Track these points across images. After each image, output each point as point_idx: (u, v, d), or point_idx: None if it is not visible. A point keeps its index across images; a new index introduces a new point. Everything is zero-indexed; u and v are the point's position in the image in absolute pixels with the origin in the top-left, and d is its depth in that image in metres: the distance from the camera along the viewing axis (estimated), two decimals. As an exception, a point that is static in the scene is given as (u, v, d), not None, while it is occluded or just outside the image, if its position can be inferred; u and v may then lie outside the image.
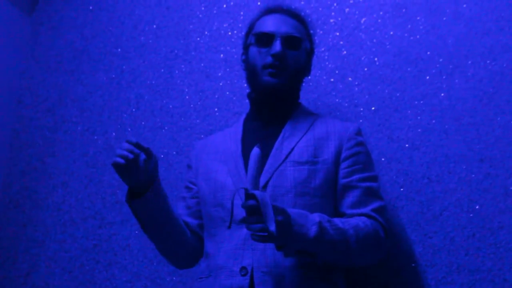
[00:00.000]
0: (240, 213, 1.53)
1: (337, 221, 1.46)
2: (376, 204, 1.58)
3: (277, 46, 1.63)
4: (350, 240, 1.44)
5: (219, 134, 1.80)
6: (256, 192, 1.34)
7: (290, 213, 1.39)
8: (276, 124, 1.68)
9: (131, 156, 1.45)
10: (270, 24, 1.69)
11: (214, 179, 1.64)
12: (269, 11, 1.74)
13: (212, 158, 1.70)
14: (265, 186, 1.55)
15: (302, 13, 1.78)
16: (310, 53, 1.77)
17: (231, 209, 1.40)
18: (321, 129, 1.66)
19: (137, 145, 1.47)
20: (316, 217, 1.42)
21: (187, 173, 1.81)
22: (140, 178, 1.50)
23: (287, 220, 1.36)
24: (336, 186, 1.60)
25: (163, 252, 1.72)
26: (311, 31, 1.79)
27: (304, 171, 1.56)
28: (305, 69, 1.75)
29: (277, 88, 1.64)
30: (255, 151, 1.41)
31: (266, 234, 1.32)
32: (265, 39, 1.67)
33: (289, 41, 1.66)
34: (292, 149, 1.60)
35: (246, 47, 1.75)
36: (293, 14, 1.73)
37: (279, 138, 1.63)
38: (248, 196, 1.36)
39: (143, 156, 1.47)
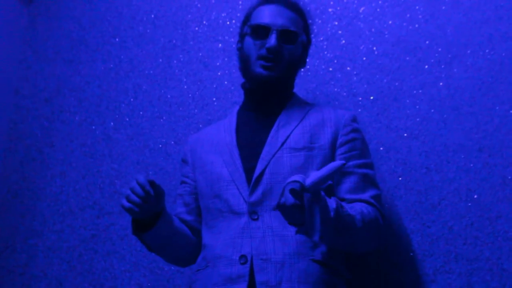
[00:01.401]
0: (237, 203, 1.54)
1: (346, 206, 1.44)
2: (373, 192, 1.58)
3: (272, 39, 1.62)
4: (357, 225, 1.43)
5: (212, 127, 1.80)
6: (306, 196, 1.29)
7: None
8: (271, 114, 1.67)
9: (138, 201, 1.47)
10: (266, 15, 1.67)
11: (210, 171, 1.64)
12: (267, 0, 1.72)
13: (206, 150, 1.70)
14: (262, 174, 1.54)
15: (300, 3, 1.75)
16: (307, 45, 1.75)
17: (281, 194, 1.32)
18: (317, 117, 1.65)
19: (146, 184, 1.47)
20: (333, 202, 1.37)
21: (182, 168, 1.79)
22: (148, 214, 1.53)
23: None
24: None
25: (169, 261, 1.77)
26: (309, 21, 1.77)
27: (301, 157, 1.56)
28: (300, 62, 1.74)
29: (269, 80, 1.63)
30: (338, 163, 1.32)
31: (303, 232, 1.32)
32: (260, 31, 1.65)
33: (285, 35, 1.64)
34: (288, 136, 1.60)
35: (241, 36, 1.74)
36: (290, 5, 1.71)
37: (274, 127, 1.63)
38: (298, 191, 1.29)
39: (151, 193, 1.47)
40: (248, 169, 1.57)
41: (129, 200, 1.48)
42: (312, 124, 1.63)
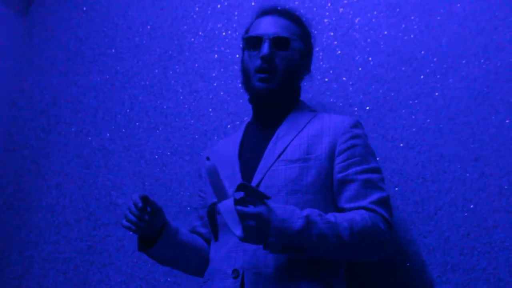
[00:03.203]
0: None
1: (329, 215, 1.44)
2: (375, 196, 1.53)
3: (264, 48, 1.63)
4: (343, 233, 1.41)
5: (224, 141, 1.82)
6: (218, 205, 1.38)
7: (272, 208, 1.38)
8: (273, 124, 1.68)
9: (134, 219, 1.53)
10: (260, 27, 1.68)
11: None
12: (263, 13, 1.74)
13: (216, 164, 1.70)
14: (257, 187, 1.54)
15: (296, 12, 1.76)
16: (307, 51, 1.75)
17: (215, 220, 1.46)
18: (316, 126, 1.64)
19: (142, 200, 1.52)
20: (304, 211, 1.40)
21: (198, 182, 1.84)
22: (148, 231, 1.57)
23: (261, 220, 1.36)
24: (333, 182, 1.57)
25: (187, 273, 1.79)
26: (308, 29, 1.77)
27: (296, 169, 1.55)
28: (300, 68, 1.73)
29: (268, 92, 1.64)
30: (208, 164, 1.40)
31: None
32: (254, 42, 1.67)
33: (277, 42, 1.65)
34: (285, 148, 1.59)
35: (242, 50, 1.76)
36: (285, 14, 1.72)
37: (273, 138, 1.63)
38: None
39: (148, 210, 1.53)
40: None
41: (127, 220, 1.53)
42: (310, 134, 1.62)
